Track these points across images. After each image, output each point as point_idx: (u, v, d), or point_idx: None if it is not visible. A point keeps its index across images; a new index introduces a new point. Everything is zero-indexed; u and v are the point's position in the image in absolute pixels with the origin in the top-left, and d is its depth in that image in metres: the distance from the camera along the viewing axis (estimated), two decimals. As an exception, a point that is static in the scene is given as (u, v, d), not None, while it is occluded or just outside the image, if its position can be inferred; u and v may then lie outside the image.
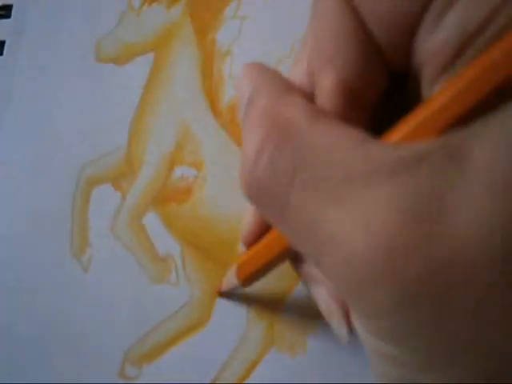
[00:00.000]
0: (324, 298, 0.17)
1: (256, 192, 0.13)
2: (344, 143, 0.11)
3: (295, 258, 0.18)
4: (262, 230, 0.18)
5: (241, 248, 0.19)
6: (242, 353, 0.21)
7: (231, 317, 0.22)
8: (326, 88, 0.13)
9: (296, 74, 0.15)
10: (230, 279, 0.20)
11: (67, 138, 0.26)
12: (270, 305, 0.22)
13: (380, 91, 0.14)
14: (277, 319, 0.22)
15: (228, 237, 0.23)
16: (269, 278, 0.20)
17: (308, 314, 0.21)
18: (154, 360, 0.22)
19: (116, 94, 0.26)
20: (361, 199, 0.10)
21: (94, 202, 0.25)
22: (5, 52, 0.28)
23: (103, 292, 0.23)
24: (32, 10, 0.29)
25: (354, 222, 0.10)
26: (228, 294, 0.22)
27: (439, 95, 0.11)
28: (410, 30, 0.12)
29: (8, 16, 0.29)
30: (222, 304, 0.22)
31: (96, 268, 0.24)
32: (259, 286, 0.22)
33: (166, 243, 0.24)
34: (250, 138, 0.13)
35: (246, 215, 0.19)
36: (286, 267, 0.19)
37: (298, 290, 0.22)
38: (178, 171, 0.25)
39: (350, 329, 0.17)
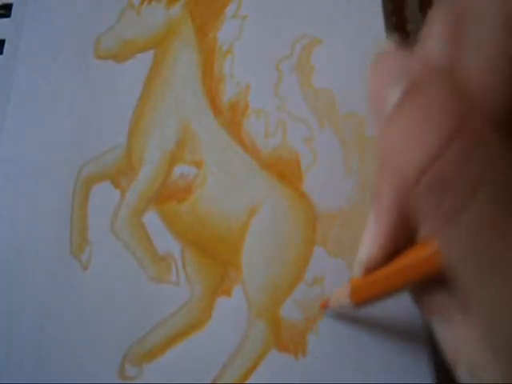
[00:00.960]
0: (451, 334, 0.15)
1: (435, 184, 0.12)
2: None
3: (418, 289, 0.16)
4: (388, 256, 0.16)
5: (357, 268, 0.17)
6: (242, 352, 0.21)
7: (231, 316, 0.22)
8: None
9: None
10: (341, 298, 0.18)
11: (67, 136, 0.26)
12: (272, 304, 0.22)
13: None
14: (277, 319, 0.21)
15: (228, 235, 0.23)
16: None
17: (309, 314, 0.21)
18: (153, 360, 0.22)
19: (115, 92, 0.26)
20: None
21: (94, 200, 0.25)
22: (4, 51, 0.28)
23: (103, 291, 0.23)
24: (31, 9, 0.29)
25: None
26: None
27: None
28: None
29: (8, 15, 0.29)
30: (222, 303, 0.22)
31: (95, 266, 0.23)
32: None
33: (166, 242, 0.23)
34: (430, 124, 0.12)
35: (368, 238, 0.17)
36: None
37: (299, 290, 0.22)
38: (178, 169, 0.25)
39: None
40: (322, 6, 0.26)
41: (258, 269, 0.22)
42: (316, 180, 0.23)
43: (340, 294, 0.19)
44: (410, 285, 0.16)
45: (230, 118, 0.25)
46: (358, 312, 0.21)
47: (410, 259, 0.15)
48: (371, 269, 0.17)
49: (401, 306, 0.21)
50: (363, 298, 0.17)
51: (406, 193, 0.12)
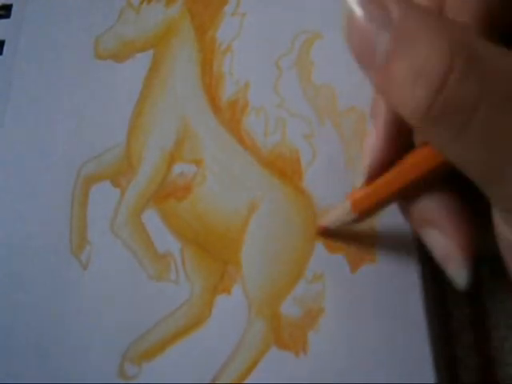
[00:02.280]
0: (439, 241, 0.17)
1: (440, 109, 0.13)
2: None
3: (408, 199, 0.18)
4: (388, 161, 0.17)
5: (358, 181, 0.19)
6: (242, 350, 0.21)
7: (231, 314, 0.22)
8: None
9: None
10: (341, 215, 0.20)
11: (66, 135, 0.26)
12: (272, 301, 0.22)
13: None
14: (277, 316, 0.21)
15: (228, 233, 0.23)
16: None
17: (309, 312, 0.21)
18: (153, 358, 0.22)
19: (115, 91, 0.26)
20: None
21: (93, 200, 0.24)
22: (4, 51, 0.28)
23: (102, 290, 0.23)
24: (31, 10, 0.29)
25: None
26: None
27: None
28: None
29: (7, 16, 0.29)
30: (222, 301, 0.22)
31: (95, 265, 0.23)
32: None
33: (166, 240, 0.23)
34: (429, 50, 0.13)
35: (368, 145, 0.18)
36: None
37: (299, 287, 0.22)
38: (178, 168, 0.24)
39: (472, 271, 0.16)
40: (321, 1, 0.26)
41: (257, 266, 0.22)
42: (316, 177, 0.23)
43: (338, 211, 0.20)
44: (410, 186, 0.17)
45: (230, 116, 0.25)
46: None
47: (410, 160, 0.17)
48: (372, 175, 0.18)
49: (402, 305, 0.20)
50: (364, 208, 0.18)
51: (416, 122, 0.14)
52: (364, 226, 0.22)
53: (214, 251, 0.23)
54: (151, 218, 0.24)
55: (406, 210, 0.18)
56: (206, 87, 0.26)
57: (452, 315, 0.22)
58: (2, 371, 0.22)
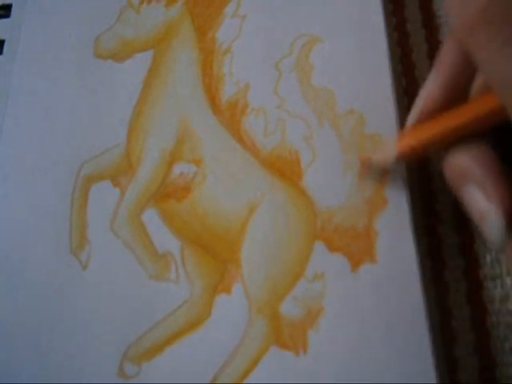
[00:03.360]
0: (478, 197, 0.17)
1: (493, 12, 0.14)
2: None
3: (452, 152, 0.18)
4: (446, 98, 0.18)
5: (411, 115, 0.20)
6: (242, 350, 0.21)
7: (231, 313, 0.22)
8: None
9: None
10: (386, 153, 0.21)
11: (66, 135, 0.26)
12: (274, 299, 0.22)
13: None
14: (277, 316, 0.21)
15: (228, 233, 0.23)
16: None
17: (309, 312, 0.21)
18: (153, 358, 0.22)
19: (115, 91, 0.26)
20: None
21: (93, 199, 0.24)
22: (4, 51, 0.28)
23: (102, 289, 0.23)
24: (31, 10, 0.29)
25: None
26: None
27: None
28: None
29: (7, 15, 0.29)
30: (222, 301, 0.22)
31: (95, 265, 0.23)
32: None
33: (166, 240, 0.23)
34: None
35: (428, 81, 0.19)
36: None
37: (299, 287, 0.22)
38: (178, 168, 0.25)
39: (507, 231, 0.17)
40: (321, 4, 0.26)
41: (257, 266, 0.22)
42: (316, 177, 0.23)
43: (385, 149, 0.21)
44: (457, 133, 0.18)
45: (230, 116, 0.25)
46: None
47: (461, 109, 0.17)
48: (427, 110, 0.19)
49: (404, 304, 0.21)
50: (410, 148, 0.19)
51: (467, 32, 0.14)
52: (364, 224, 0.22)
53: (214, 251, 0.23)
54: (151, 218, 0.24)
55: (448, 164, 0.19)
56: (206, 88, 0.26)
57: (452, 315, 0.22)
58: (1, 371, 0.22)
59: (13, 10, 0.29)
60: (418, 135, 0.19)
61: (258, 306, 0.22)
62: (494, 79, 0.15)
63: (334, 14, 0.26)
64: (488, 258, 0.22)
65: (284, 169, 0.24)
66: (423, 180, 0.24)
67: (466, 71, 0.18)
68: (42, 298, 0.23)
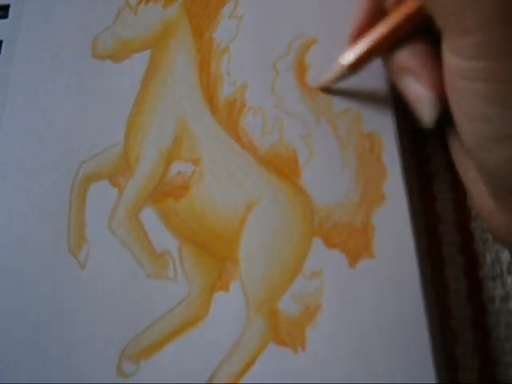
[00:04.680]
0: (413, 86, 0.21)
1: None
2: None
3: (390, 52, 0.22)
4: (369, 23, 0.22)
5: (349, 40, 0.23)
6: (240, 347, 0.21)
7: (229, 311, 0.22)
8: None
9: None
10: (335, 69, 0.23)
11: (64, 135, 0.26)
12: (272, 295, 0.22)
13: None
14: (275, 313, 0.21)
15: (225, 231, 0.23)
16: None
17: (308, 309, 0.21)
18: (151, 356, 0.22)
19: (113, 91, 0.26)
20: None
21: (91, 199, 0.24)
22: (2, 51, 0.28)
23: (100, 288, 0.23)
24: (29, 10, 0.29)
25: None
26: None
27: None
28: None
29: (5, 16, 0.29)
30: (220, 298, 0.22)
31: (93, 264, 0.23)
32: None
33: (164, 239, 0.23)
34: None
35: (355, 14, 0.23)
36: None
37: (297, 284, 0.22)
38: (175, 167, 0.25)
39: (440, 110, 0.20)
40: (317, 5, 0.27)
41: (255, 263, 0.22)
42: (313, 175, 0.23)
43: (334, 66, 0.23)
44: (391, 37, 0.21)
45: (227, 115, 0.25)
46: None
47: (390, 16, 0.21)
48: (358, 34, 0.22)
49: (403, 299, 0.21)
50: (355, 60, 0.22)
51: None
52: (362, 220, 0.22)
53: (212, 249, 0.23)
54: (149, 217, 0.24)
55: (388, 63, 0.22)
56: (203, 87, 0.26)
57: (452, 315, 0.22)
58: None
59: (11, 10, 0.29)
60: (359, 47, 0.22)
61: (256, 303, 0.22)
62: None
63: (330, 14, 0.26)
64: (488, 258, 0.22)
65: (282, 167, 0.24)
66: (423, 179, 0.24)
67: None
68: (41, 298, 0.23)
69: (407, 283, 0.21)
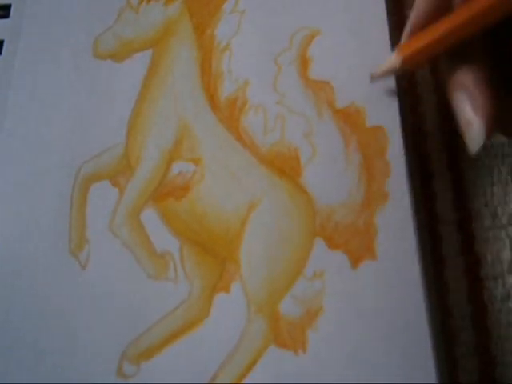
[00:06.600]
0: (466, 105, 0.19)
1: None
2: None
3: (453, 60, 0.20)
4: (431, 16, 0.20)
5: (405, 33, 0.21)
6: (241, 349, 0.21)
7: (230, 312, 0.21)
8: None
9: None
10: (390, 61, 0.22)
11: (65, 135, 0.26)
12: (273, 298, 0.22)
13: None
14: (276, 315, 0.21)
15: (227, 231, 0.23)
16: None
17: (309, 311, 0.21)
18: (151, 358, 0.21)
19: (114, 91, 0.26)
20: None
21: (92, 199, 0.24)
22: (3, 51, 0.28)
23: (101, 289, 0.23)
24: (30, 10, 0.29)
25: None
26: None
27: None
28: None
29: (6, 16, 0.29)
30: (221, 300, 0.22)
31: (94, 265, 0.23)
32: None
33: (164, 239, 0.23)
34: None
35: (416, 4, 0.21)
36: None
37: (299, 285, 0.21)
38: (176, 167, 0.24)
39: (488, 137, 0.19)
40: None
41: (256, 264, 0.22)
42: (315, 174, 0.23)
43: (389, 59, 0.22)
44: (450, 41, 0.20)
45: (229, 114, 0.25)
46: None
47: (454, 12, 0.19)
48: (417, 28, 0.21)
49: (404, 301, 0.20)
50: (412, 55, 0.21)
51: None
52: (364, 220, 0.21)
53: (213, 250, 0.23)
54: (150, 217, 0.24)
55: (447, 70, 0.20)
56: (204, 86, 0.26)
57: (452, 315, 0.22)
58: None
59: (12, 10, 0.29)
60: (417, 42, 0.21)
61: (257, 304, 0.21)
62: None
63: (334, 5, 0.26)
64: (489, 257, 0.22)
65: (283, 166, 0.23)
66: (424, 179, 0.24)
67: None
68: (41, 298, 0.23)
69: (409, 286, 0.20)
